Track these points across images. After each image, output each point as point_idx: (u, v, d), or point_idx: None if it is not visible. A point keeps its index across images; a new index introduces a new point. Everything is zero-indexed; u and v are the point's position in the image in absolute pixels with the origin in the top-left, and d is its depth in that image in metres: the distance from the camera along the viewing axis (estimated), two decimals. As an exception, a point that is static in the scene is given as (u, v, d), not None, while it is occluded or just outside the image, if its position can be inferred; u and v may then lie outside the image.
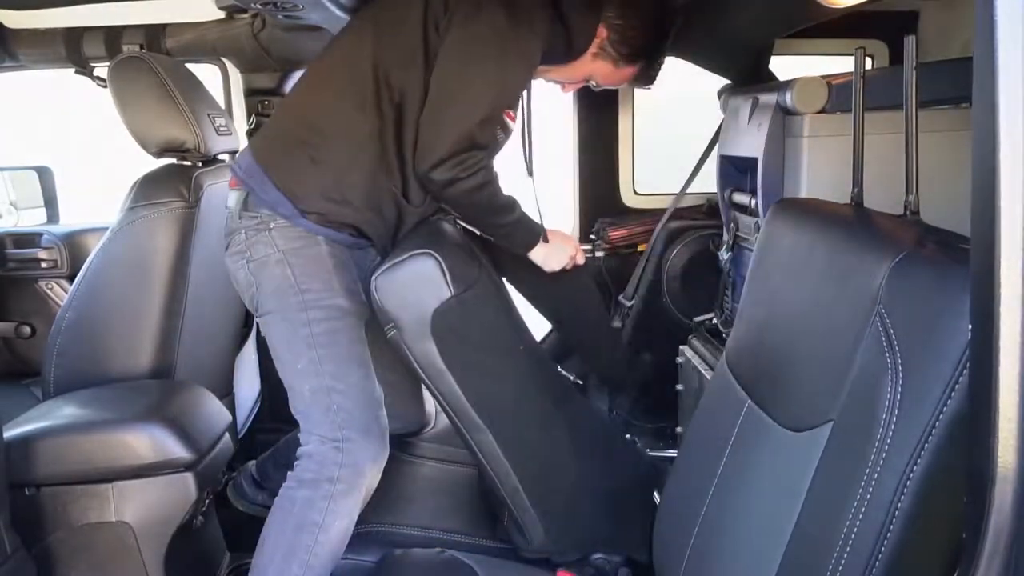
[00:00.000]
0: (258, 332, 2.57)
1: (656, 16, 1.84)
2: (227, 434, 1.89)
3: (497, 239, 1.81)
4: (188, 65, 2.19)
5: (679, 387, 2.39)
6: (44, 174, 2.84)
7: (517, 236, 1.78)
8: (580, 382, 1.95)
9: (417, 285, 1.46)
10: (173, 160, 2.08)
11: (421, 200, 1.71)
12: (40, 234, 2.61)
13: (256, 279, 1.66)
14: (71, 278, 2.42)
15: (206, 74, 2.44)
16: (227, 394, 2.28)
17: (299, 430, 2.26)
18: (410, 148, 1.64)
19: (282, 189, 1.65)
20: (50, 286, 2.60)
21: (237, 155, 1.82)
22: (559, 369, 1.91)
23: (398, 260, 1.46)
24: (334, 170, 1.66)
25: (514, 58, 1.62)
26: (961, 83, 0.82)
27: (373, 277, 1.48)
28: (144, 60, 2.00)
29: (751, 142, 1.94)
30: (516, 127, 1.84)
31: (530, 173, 1.97)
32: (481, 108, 1.60)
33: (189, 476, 1.69)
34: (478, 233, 1.82)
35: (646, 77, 1.92)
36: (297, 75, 2.61)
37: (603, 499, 1.73)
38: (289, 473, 1.65)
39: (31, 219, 2.79)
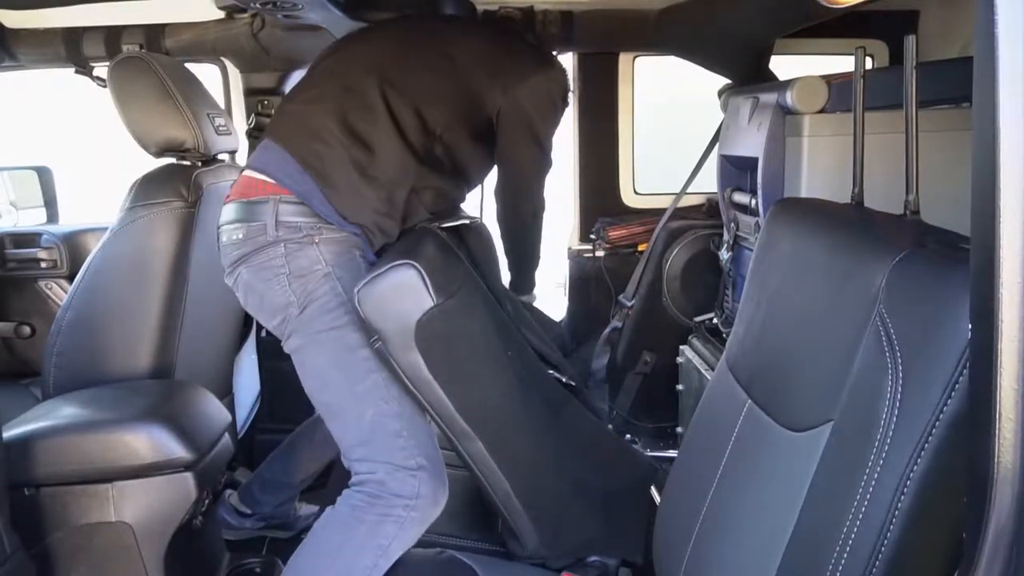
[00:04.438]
0: (258, 332, 2.57)
1: None
2: (227, 434, 1.89)
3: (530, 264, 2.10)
4: (188, 65, 2.19)
5: (679, 387, 2.40)
6: (44, 174, 2.84)
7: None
8: (573, 384, 1.94)
9: (399, 296, 1.44)
10: (173, 160, 2.08)
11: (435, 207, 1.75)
12: (40, 234, 2.61)
13: (298, 297, 1.58)
14: (71, 278, 2.42)
15: (206, 74, 2.44)
16: (227, 394, 2.28)
17: (292, 444, 2.22)
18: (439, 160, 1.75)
19: (333, 203, 1.60)
20: (50, 286, 2.60)
21: (260, 159, 1.68)
22: (550, 372, 1.90)
23: (379, 272, 1.44)
24: (384, 185, 1.66)
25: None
26: (961, 83, 0.82)
27: (356, 290, 1.46)
28: (144, 60, 1.99)
29: (751, 142, 1.94)
30: None
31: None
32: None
33: (189, 476, 1.68)
34: (470, 239, 1.83)
35: None
36: (298, 75, 2.62)
37: (598, 503, 1.72)
38: (353, 490, 1.58)
39: (31, 219, 2.79)
